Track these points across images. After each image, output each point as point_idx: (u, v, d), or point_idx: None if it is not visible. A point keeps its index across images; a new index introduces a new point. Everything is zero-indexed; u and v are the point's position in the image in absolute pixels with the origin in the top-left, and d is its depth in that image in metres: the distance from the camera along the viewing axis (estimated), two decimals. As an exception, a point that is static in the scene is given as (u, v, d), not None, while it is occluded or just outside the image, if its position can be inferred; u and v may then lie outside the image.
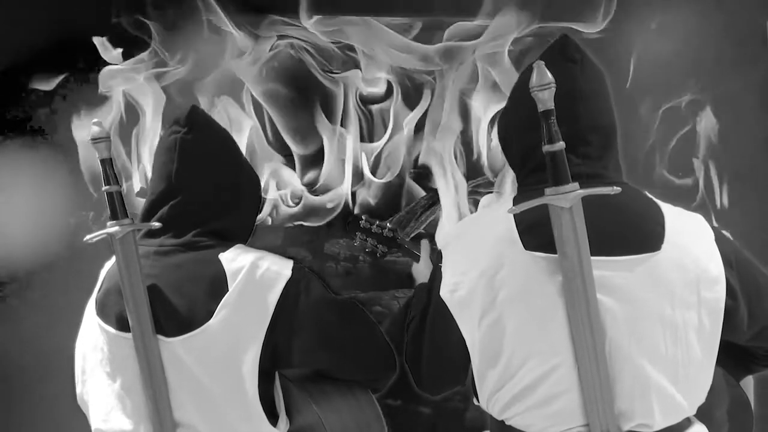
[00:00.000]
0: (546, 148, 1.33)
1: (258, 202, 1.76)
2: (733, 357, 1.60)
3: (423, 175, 2.60)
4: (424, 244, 1.90)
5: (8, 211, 2.35)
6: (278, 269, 1.56)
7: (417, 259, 1.96)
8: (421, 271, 1.84)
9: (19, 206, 2.36)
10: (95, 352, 1.57)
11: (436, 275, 1.53)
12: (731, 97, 2.52)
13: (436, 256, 1.58)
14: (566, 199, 1.33)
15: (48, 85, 2.39)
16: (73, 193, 2.38)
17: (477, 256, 1.45)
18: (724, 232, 1.53)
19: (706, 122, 2.54)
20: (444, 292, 1.47)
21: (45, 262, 2.36)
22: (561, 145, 1.32)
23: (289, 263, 1.60)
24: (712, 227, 1.49)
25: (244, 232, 1.71)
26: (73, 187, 2.38)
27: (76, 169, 2.37)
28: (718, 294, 1.41)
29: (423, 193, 2.57)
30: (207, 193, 1.62)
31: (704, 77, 2.52)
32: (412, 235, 2.52)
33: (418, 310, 1.56)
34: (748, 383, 1.72)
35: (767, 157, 2.56)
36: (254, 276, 1.53)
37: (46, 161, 2.39)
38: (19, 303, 2.37)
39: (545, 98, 1.31)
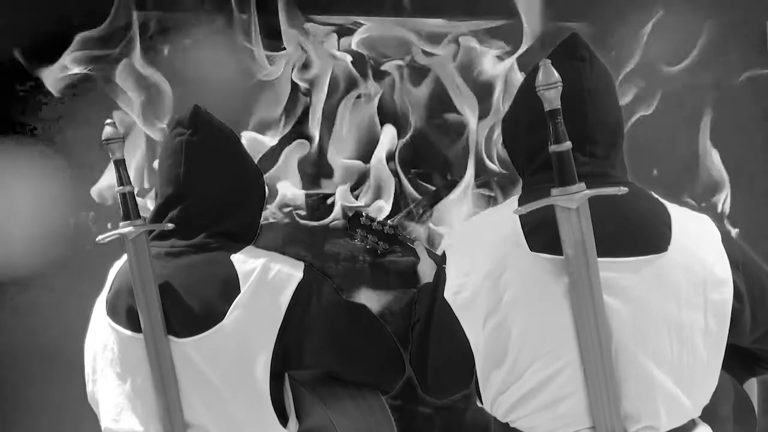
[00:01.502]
0: (553, 148, 1.32)
1: (263, 201, 1.75)
2: (737, 359, 1.59)
3: (423, 175, 2.59)
4: (418, 245, 1.89)
5: (8, 211, 2.34)
6: (290, 271, 1.56)
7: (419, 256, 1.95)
8: (426, 270, 1.83)
9: (19, 206, 2.35)
10: (105, 351, 1.57)
11: (440, 276, 1.52)
12: (732, 98, 2.52)
13: (440, 257, 1.56)
14: (573, 200, 1.32)
15: (49, 84, 2.38)
16: (73, 193, 2.37)
17: (481, 258, 1.44)
18: (731, 232, 1.52)
19: (706, 122, 2.54)
20: (448, 294, 1.46)
21: (46, 263, 2.35)
22: (568, 145, 1.31)
23: (301, 265, 1.60)
24: (719, 228, 1.48)
25: (252, 232, 1.71)
26: (73, 187, 2.37)
27: (76, 169, 2.36)
28: (724, 296, 1.40)
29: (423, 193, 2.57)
30: (215, 194, 1.62)
31: (704, 78, 2.52)
32: (414, 234, 2.51)
33: (422, 313, 1.55)
34: (752, 386, 1.72)
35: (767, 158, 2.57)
36: (266, 277, 1.53)
37: (46, 161, 2.38)
38: (20, 303, 2.36)
39: (552, 97, 1.30)
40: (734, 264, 1.43)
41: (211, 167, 1.62)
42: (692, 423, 1.43)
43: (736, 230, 2.46)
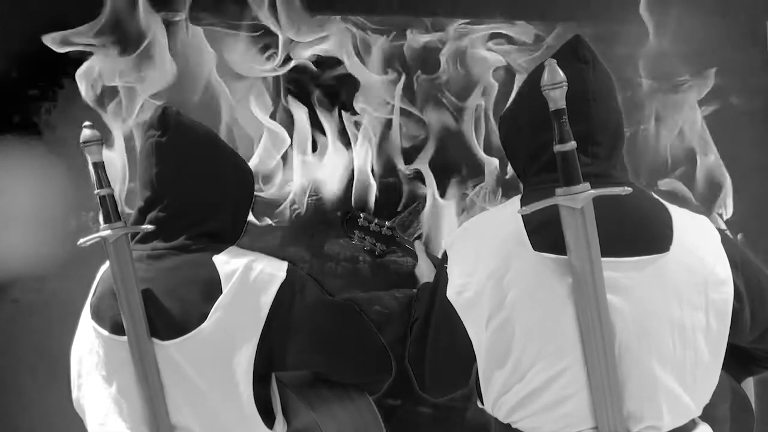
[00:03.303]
0: (557, 147, 1.31)
1: (249, 200, 1.72)
2: (734, 358, 1.58)
3: (422, 175, 2.59)
4: (418, 244, 1.88)
5: (9, 212, 2.34)
6: (272, 271, 1.54)
7: (417, 257, 1.94)
8: (424, 270, 1.83)
9: (20, 207, 2.34)
10: (91, 355, 1.55)
11: (441, 276, 1.51)
12: (732, 97, 2.53)
13: (441, 257, 1.56)
14: (577, 200, 1.31)
15: (48, 84, 2.38)
16: (73, 193, 2.36)
17: (485, 257, 1.43)
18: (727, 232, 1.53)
19: (707, 121, 2.55)
20: (450, 294, 1.45)
21: (46, 264, 2.35)
22: (572, 144, 1.30)
23: (284, 265, 1.57)
24: (718, 229, 1.48)
25: (236, 232, 1.67)
26: (73, 187, 2.36)
27: (76, 169, 2.35)
28: (725, 295, 1.40)
29: (422, 194, 2.57)
30: (191, 194, 1.59)
31: (704, 77, 2.53)
32: (416, 235, 2.51)
33: (421, 312, 1.54)
34: (749, 385, 1.72)
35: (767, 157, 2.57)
36: (248, 278, 1.51)
37: (46, 161, 2.37)
38: (20, 304, 2.36)
39: (557, 97, 1.29)
40: (733, 264, 1.43)
41: (183, 168, 1.59)
42: (692, 423, 1.43)
43: (733, 231, 2.47)
